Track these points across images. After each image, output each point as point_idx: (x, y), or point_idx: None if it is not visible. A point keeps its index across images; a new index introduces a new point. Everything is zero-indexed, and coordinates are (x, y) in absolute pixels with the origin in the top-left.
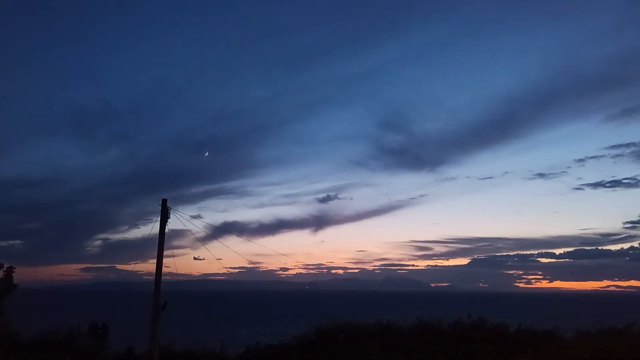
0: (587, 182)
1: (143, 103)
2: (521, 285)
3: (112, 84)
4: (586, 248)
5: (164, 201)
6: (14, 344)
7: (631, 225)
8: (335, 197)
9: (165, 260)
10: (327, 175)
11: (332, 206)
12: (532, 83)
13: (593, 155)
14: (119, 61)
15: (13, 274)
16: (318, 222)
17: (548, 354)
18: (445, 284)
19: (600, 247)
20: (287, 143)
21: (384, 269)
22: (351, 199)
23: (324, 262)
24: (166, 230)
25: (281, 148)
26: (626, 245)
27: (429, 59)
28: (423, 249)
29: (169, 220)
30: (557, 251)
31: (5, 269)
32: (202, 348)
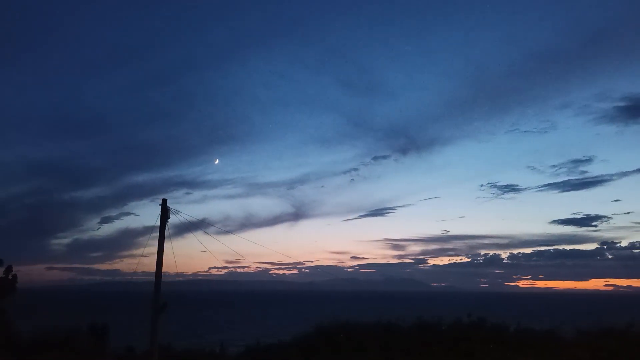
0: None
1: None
2: (510, 285)
3: None
4: (567, 248)
5: (164, 201)
6: (14, 344)
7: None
8: (302, 187)
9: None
10: (289, 160)
11: (300, 199)
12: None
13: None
14: None
15: (13, 273)
16: (285, 218)
17: (548, 354)
18: (442, 284)
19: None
20: (222, 114)
21: (359, 270)
22: (322, 186)
23: (300, 261)
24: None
25: (218, 119)
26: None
27: None
28: (398, 247)
29: (168, 219)
30: (540, 249)
31: (5, 267)
32: (202, 348)
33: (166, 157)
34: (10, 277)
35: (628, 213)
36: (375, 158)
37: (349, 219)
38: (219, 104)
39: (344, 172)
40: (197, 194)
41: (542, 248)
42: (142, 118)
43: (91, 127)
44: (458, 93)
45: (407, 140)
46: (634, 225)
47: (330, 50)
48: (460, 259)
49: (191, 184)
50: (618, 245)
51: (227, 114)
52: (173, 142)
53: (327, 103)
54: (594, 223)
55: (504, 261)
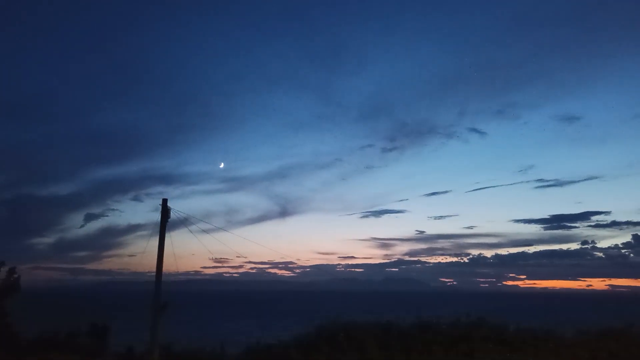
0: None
1: None
2: (510, 284)
3: None
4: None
5: (164, 201)
6: (13, 344)
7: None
8: (282, 179)
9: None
10: (265, 151)
11: (284, 196)
12: None
13: None
14: None
15: (16, 275)
16: (271, 216)
17: (548, 354)
18: (441, 284)
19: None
20: (174, 95)
21: (348, 270)
22: (306, 182)
23: (292, 260)
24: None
25: (170, 101)
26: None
27: None
28: (386, 246)
29: (168, 219)
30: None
31: (7, 269)
32: (202, 347)
33: (129, 148)
34: (13, 278)
35: (608, 212)
36: (362, 148)
37: (341, 216)
38: (168, 81)
39: (328, 164)
40: (175, 189)
41: (532, 248)
42: (87, 100)
43: (30, 112)
44: (442, 65)
45: (390, 122)
46: (616, 224)
47: (287, 11)
48: (451, 259)
49: (167, 179)
50: (608, 245)
51: (180, 95)
52: (131, 130)
53: (291, 78)
54: (575, 224)
55: (493, 261)
